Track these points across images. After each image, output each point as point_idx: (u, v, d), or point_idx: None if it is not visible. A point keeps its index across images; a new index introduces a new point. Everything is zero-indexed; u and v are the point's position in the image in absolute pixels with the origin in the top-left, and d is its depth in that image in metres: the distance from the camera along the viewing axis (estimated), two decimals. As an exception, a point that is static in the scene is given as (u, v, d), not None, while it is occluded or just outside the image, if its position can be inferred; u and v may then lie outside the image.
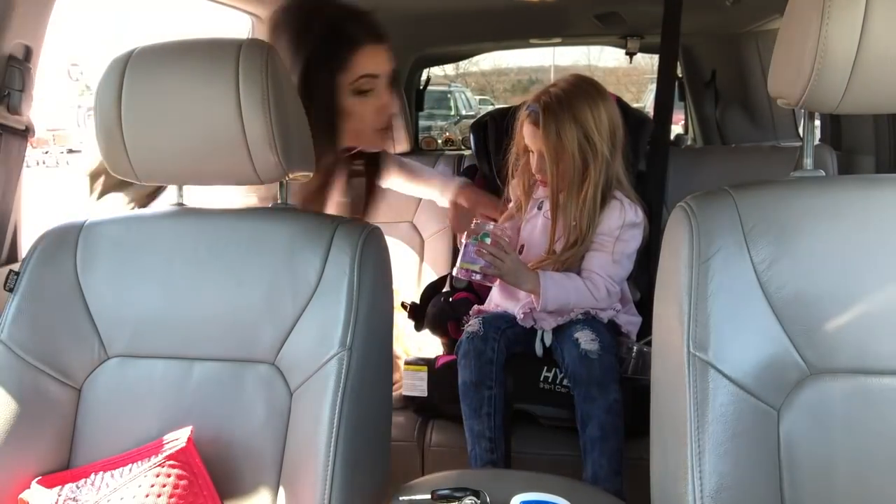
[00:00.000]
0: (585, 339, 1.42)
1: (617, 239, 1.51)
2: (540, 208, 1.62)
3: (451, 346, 1.67)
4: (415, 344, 1.82)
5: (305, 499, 0.92)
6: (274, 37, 1.29)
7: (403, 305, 1.79)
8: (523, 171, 1.62)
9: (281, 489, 0.96)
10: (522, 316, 1.52)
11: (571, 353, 1.42)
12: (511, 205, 1.70)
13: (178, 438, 0.95)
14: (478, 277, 1.47)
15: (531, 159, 1.57)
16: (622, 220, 1.52)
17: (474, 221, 1.53)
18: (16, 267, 1.05)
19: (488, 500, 0.88)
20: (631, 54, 2.85)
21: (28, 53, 1.22)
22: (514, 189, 1.67)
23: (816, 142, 1.94)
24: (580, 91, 1.51)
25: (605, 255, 1.51)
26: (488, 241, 1.47)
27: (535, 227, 1.61)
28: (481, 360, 1.45)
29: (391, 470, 1.07)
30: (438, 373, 1.56)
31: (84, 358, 1.02)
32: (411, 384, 1.57)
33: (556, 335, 1.50)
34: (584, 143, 1.49)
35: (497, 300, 1.62)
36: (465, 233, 1.51)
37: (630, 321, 1.56)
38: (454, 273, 1.51)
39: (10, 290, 1.03)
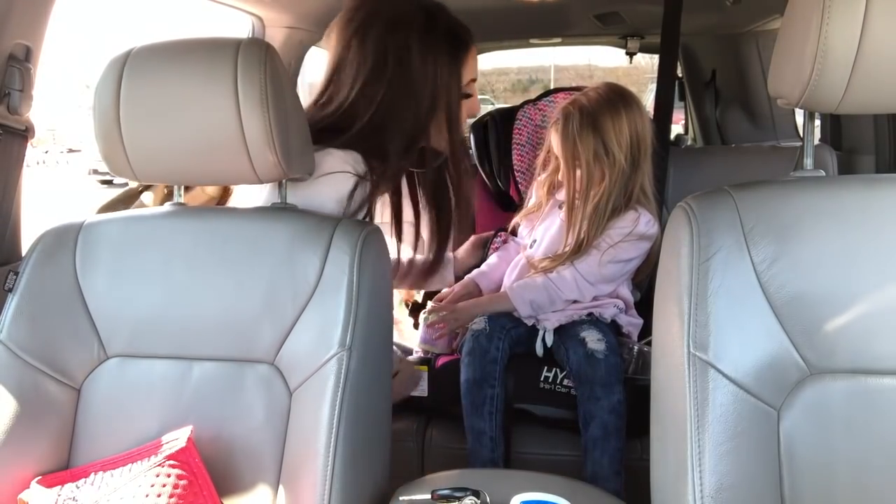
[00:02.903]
0: (592, 339, 1.42)
1: (616, 244, 1.51)
2: (561, 208, 1.63)
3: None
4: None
5: (305, 498, 0.92)
6: (393, 31, 1.24)
7: (406, 304, 1.79)
8: (553, 172, 1.63)
9: (281, 489, 0.96)
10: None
11: (577, 352, 1.42)
12: (531, 202, 1.72)
13: (177, 438, 0.95)
14: (437, 352, 1.62)
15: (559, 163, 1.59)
16: (630, 230, 1.51)
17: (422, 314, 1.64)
18: (15, 267, 1.05)
19: (488, 500, 0.88)
20: (631, 54, 2.85)
21: (28, 53, 1.22)
22: (538, 187, 1.69)
23: (816, 142, 1.95)
24: (605, 101, 1.52)
25: (595, 253, 1.51)
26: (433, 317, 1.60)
27: (552, 227, 1.62)
28: (485, 358, 1.45)
29: (391, 470, 1.07)
30: (439, 372, 1.56)
31: (83, 358, 1.02)
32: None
33: (560, 334, 1.50)
34: (602, 152, 1.49)
35: None
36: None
37: (631, 322, 1.57)
38: (418, 349, 1.65)
39: (10, 290, 1.03)
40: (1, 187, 1.24)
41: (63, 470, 1.00)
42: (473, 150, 1.99)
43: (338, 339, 0.95)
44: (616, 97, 1.53)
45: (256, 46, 0.96)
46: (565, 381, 1.48)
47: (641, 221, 1.51)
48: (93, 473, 0.96)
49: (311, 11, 2.02)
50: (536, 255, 1.61)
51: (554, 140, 1.56)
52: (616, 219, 1.52)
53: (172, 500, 0.90)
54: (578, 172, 1.52)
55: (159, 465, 0.91)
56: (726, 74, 2.74)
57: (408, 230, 1.38)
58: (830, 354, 0.85)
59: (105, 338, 1.03)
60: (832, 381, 0.85)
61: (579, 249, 1.51)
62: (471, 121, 1.33)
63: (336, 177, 1.18)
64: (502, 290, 1.59)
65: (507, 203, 1.94)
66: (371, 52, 1.23)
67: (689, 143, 3.04)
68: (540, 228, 1.66)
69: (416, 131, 1.27)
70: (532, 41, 2.93)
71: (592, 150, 1.50)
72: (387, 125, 1.24)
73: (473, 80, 1.35)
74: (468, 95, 1.35)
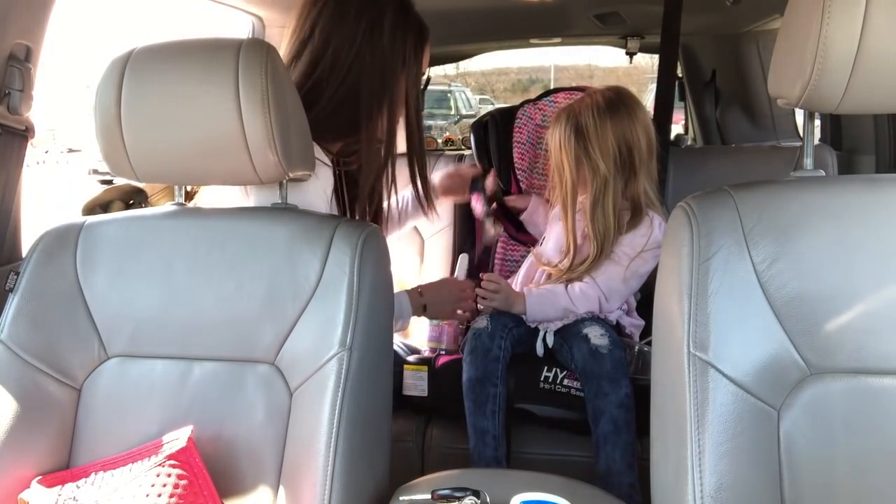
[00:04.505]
0: (595, 335, 1.42)
1: (637, 256, 1.50)
2: None
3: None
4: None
5: (305, 498, 0.92)
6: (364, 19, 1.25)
7: None
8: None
9: (281, 489, 0.96)
10: None
11: (581, 349, 1.42)
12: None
13: (178, 438, 0.95)
14: (444, 352, 1.62)
15: None
16: (648, 239, 1.51)
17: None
18: (16, 267, 1.05)
19: (488, 500, 0.88)
20: (631, 54, 2.85)
21: (28, 53, 1.22)
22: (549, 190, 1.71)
23: (816, 142, 1.95)
24: (593, 107, 1.52)
25: (618, 269, 1.51)
26: (443, 324, 1.63)
27: (558, 227, 1.63)
28: (488, 357, 1.46)
29: (391, 470, 1.07)
30: (439, 372, 1.56)
31: (84, 358, 1.02)
32: (411, 384, 1.58)
33: (561, 333, 1.50)
34: (583, 157, 1.50)
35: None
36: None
37: (633, 323, 1.57)
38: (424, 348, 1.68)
39: (11, 291, 1.03)
40: (1, 187, 1.24)
41: (63, 470, 1.00)
42: (474, 150, 2.00)
43: (338, 339, 0.95)
44: (605, 104, 1.52)
45: (257, 47, 0.96)
46: (565, 381, 1.48)
47: (656, 230, 1.51)
48: (93, 473, 0.96)
49: (312, 11, 2.02)
50: (544, 253, 1.62)
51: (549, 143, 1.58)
52: (633, 230, 1.51)
53: (173, 499, 0.90)
54: (566, 174, 1.53)
55: (160, 464, 0.91)
56: (726, 74, 2.74)
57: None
58: (830, 354, 0.85)
59: (105, 338, 1.03)
60: (832, 381, 0.85)
61: (585, 262, 1.51)
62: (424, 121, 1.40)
63: (322, 174, 1.20)
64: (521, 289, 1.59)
65: (508, 201, 1.94)
66: (347, 16, 1.25)
67: (689, 143, 3.03)
68: (549, 230, 1.67)
69: (381, 105, 1.27)
70: (532, 41, 2.93)
71: (574, 154, 1.51)
72: (354, 97, 1.25)
73: (422, 74, 1.38)
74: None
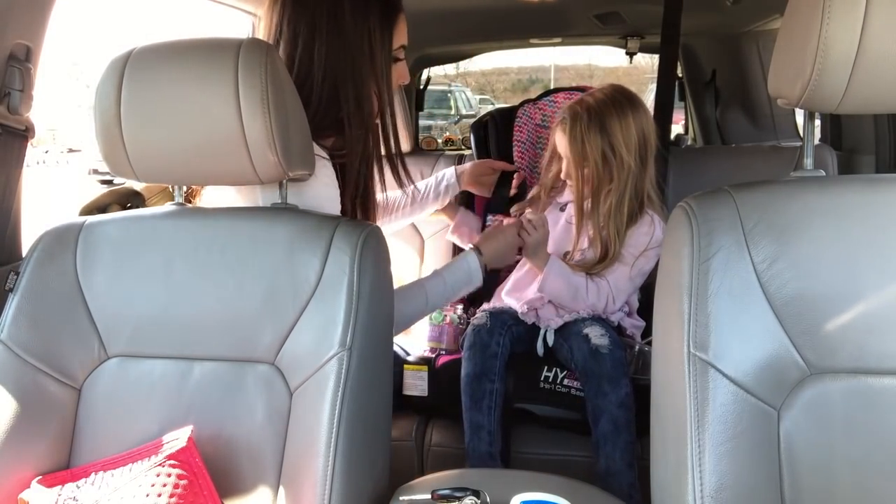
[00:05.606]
0: (595, 335, 1.42)
1: (641, 255, 1.51)
2: (563, 210, 1.63)
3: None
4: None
5: (305, 498, 0.92)
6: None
7: None
8: (556, 174, 1.63)
9: (281, 489, 0.96)
10: (525, 310, 1.53)
11: (581, 348, 1.42)
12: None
13: (178, 438, 0.95)
14: (443, 352, 1.66)
15: (562, 163, 1.59)
16: (650, 237, 1.51)
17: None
18: (16, 267, 1.05)
19: (488, 500, 0.88)
20: (631, 54, 2.85)
21: (28, 53, 1.22)
22: (541, 187, 1.70)
23: (816, 142, 1.94)
24: (611, 102, 1.52)
25: (625, 268, 1.51)
26: (443, 323, 1.68)
27: (555, 228, 1.63)
28: (486, 353, 1.46)
29: (391, 470, 1.07)
30: (439, 372, 1.56)
31: (84, 358, 1.02)
32: (411, 384, 1.58)
33: (562, 333, 1.50)
34: (609, 153, 1.50)
35: (503, 295, 1.64)
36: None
37: (634, 324, 1.57)
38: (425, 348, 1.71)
39: (11, 290, 1.03)
40: (1, 187, 1.24)
41: (63, 469, 1.00)
42: (474, 150, 2.00)
43: (338, 339, 0.96)
44: (623, 98, 1.53)
45: (257, 47, 0.96)
46: (565, 381, 1.48)
47: (657, 227, 1.52)
48: (93, 473, 0.96)
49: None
50: None
51: (560, 140, 1.56)
52: (633, 227, 1.52)
53: (173, 499, 0.90)
54: (586, 171, 1.52)
55: (160, 464, 0.91)
56: (726, 74, 2.74)
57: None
58: (830, 354, 0.85)
59: (106, 338, 1.03)
60: (832, 381, 0.85)
61: (606, 256, 1.51)
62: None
63: (324, 171, 1.19)
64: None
65: (508, 200, 1.94)
66: (308, 5, 1.23)
67: (689, 143, 3.03)
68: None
69: (360, 95, 1.25)
70: (532, 41, 2.93)
71: (600, 150, 1.50)
72: (336, 96, 1.23)
73: (403, 47, 1.34)
74: (398, 59, 1.34)
